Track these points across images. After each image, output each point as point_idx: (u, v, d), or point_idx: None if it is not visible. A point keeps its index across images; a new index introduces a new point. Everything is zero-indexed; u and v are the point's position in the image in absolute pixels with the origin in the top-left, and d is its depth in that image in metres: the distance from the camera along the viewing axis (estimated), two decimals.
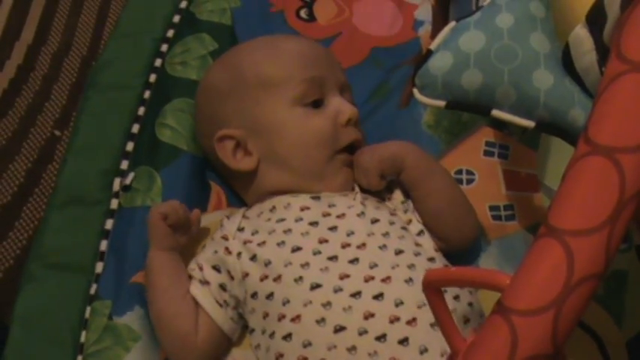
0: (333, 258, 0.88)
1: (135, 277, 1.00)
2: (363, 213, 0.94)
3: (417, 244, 0.92)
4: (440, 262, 0.93)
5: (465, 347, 0.54)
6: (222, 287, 0.93)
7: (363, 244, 0.89)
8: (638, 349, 0.94)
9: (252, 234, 0.94)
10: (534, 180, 1.07)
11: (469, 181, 1.09)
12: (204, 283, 0.94)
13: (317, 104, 0.99)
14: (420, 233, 0.96)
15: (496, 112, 0.76)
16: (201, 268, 0.94)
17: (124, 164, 1.09)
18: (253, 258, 0.91)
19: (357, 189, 0.99)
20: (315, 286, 0.86)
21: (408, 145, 0.99)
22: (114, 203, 1.06)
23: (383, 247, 0.90)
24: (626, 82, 0.53)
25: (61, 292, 0.99)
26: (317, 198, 0.97)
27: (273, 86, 0.99)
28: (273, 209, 0.96)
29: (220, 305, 0.93)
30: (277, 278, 0.88)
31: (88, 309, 0.98)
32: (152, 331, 0.96)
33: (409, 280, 0.86)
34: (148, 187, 1.07)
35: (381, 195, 1.00)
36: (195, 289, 0.94)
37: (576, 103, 0.74)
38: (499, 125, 1.12)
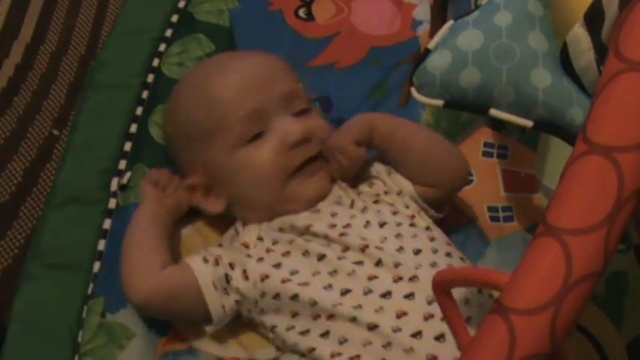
0: (358, 263, 0.88)
1: None
2: (368, 222, 0.93)
3: (432, 239, 0.92)
4: (455, 255, 0.92)
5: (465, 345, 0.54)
6: (227, 278, 0.93)
7: (381, 249, 0.89)
8: (639, 352, 0.94)
9: (273, 244, 0.94)
10: (533, 180, 1.07)
11: (468, 182, 1.08)
12: (209, 261, 0.93)
13: (259, 136, 0.97)
14: (428, 228, 0.95)
15: (494, 112, 0.76)
16: (219, 258, 0.94)
17: (122, 164, 1.09)
18: (277, 266, 0.92)
19: (351, 195, 0.98)
20: (345, 292, 0.87)
21: (372, 113, 1.01)
22: (112, 203, 1.06)
23: (400, 249, 0.90)
24: (624, 81, 0.53)
25: (59, 291, 0.99)
26: (317, 211, 0.96)
27: (211, 136, 0.98)
28: (280, 230, 0.96)
29: (215, 288, 0.92)
30: (304, 284, 0.89)
31: (85, 308, 0.98)
32: (147, 328, 0.96)
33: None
34: None
35: (370, 187, 0.99)
36: (193, 260, 0.94)
37: (574, 102, 0.73)
38: (498, 126, 1.12)
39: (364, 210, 0.95)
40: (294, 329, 0.89)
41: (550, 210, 0.53)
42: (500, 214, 1.06)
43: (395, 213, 0.95)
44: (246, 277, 0.92)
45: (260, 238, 0.96)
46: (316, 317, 0.87)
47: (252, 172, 0.97)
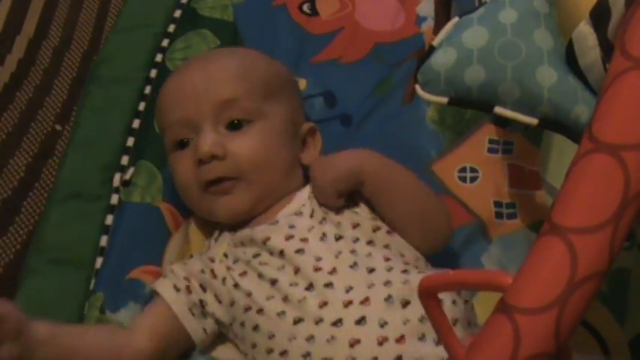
0: (309, 287, 0.86)
1: (132, 274, 1.00)
2: (324, 234, 0.91)
3: (387, 259, 0.89)
4: (413, 270, 0.89)
5: (468, 345, 0.54)
6: (202, 304, 0.93)
7: (334, 269, 0.87)
8: None
9: (234, 262, 0.93)
10: (537, 177, 1.07)
11: (473, 179, 1.08)
12: (180, 290, 0.93)
13: (184, 144, 0.97)
14: (387, 246, 0.92)
15: (499, 109, 0.75)
16: (188, 280, 0.94)
17: (125, 159, 1.09)
18: (236, 286, 0.91)
19: (313, 206, 0.95)
20: (298, 320, 0.85)
21: (366, 156, 0.93)
22: (114, 198, 1.06)
23: (354, 265, 0.88)
24: (630, 78, 0.53)
25: (61, 287, 0.99)
26: (275, 223, 0.94)
27: (161, 133, 1.02)
28: (241, 244, 0.94)
29: (193, 314, 0.92)
30: (260, 311, 0.88)
31: (87, 304, 0.98)
32: None
33: (389, 298, 0.84)
34: (148, 183, 1.06)
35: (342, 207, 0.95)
36: (163, 289, 0.93)
37: (580, 99, 0.73)
38: (502, 122, 1.12)
39: (322, 222, 0.93)
40: None
41: (555, 208, 0.53)
42: (504, 211, 1.06)
43: (355, 226, 0.93)
44: (219, 301, 0.92)
45: (225, 255, 0.95)
46: (269, 352, 0.85)
47: (176, 179, 0.99)
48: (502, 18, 0.75)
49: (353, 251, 0.89)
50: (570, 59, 0.73)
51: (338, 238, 0.91)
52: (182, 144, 0.97)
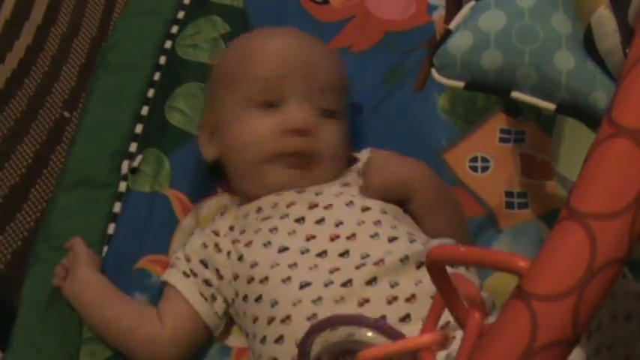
0: (322, 254, 0.86)
1: (139, 264, 0.99)
2: (352, 202, 0.92)
3: (410, 234, 0.90)
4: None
5: (473, 326, 0.53)
6: (207, 283, 0.92)
7: (353, 235, 0.88)
8: None
9: (240, 233, 0.93)
10: (548, 167, 1.06)
11: (484, 169, 1.07)
12: (190, 275, 0.93)
13: (271, 106, 0.97)
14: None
15: (516, 94, 0.74)
16: (188, 260, 0.93)
17: (133, 146, 1.08)
18: (240, 258, 0.90)
19: (349, 179, 0.97)
20: (305, 285, 0.84)
21: (423, 172, 0.96)
22: (122, 186, 1.06)
23: (375, 235, 0.88)
24: None
25: None
26: (302, 191, 0.95)
27: (232, 83, 0.99)
28: (259, 210, 0.94)
29: (205, 299, 0.92)
30: (264, 280, 0.87)
31: None
32: None
33: (405, 259, 0.85)
34: (156, 170, 1.06)
35: None
36: (175, 279, 0.93)
37: (598, 85, 0.72)
38: (514, 112, 1.11)
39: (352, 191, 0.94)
40: (256, 337, 0.87)
41: (574, 194, 0.52)
42: (515, 200, 1.05)
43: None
44: (221, 277, 0.91)
45: (231, 228, 0.94)
46: (270, 321, 0.85)
47: (245, 134, 0.97)
48: (519, 2, 0.74)
49: (377, 222, 0.89)
50: (589, 44, 0.72)
51: (365, 209, 0.91)
52: (265, 105, 0.97)
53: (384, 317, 0.81)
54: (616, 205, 0.51)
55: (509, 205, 1.05)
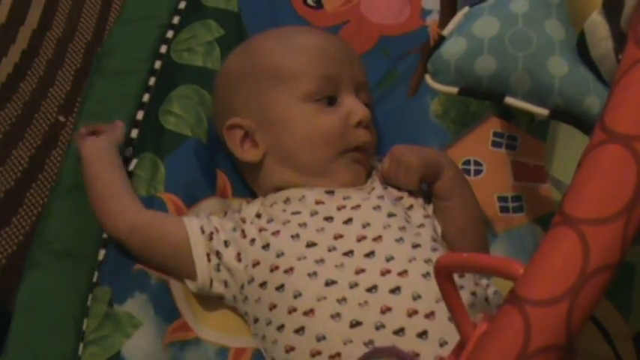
0: (348, 253, 0.87)
1: (138, 265, 0.99)
2: (379, 207, 0.93)
3: (435, 240, 0.91)
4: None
5: (478, 336, 0.54)
6: (219, 256, 0.93)
7: (379, 237, 0.89)
8: None
9: (268, 222, 0.93)
10: (542, 171, 1.06)
11: (477, 172, 1.08)
12: (207, 235, 0.94)
13: (329, 102, 0.98)
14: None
15: (510, 99, 0.75)
16: (217, 230, 0.94)
17: (129, 151, 1.08)
18: (266, 247, 0.91)
19: (374, 184, 0.97)
20: (331, 283, 0.86)
21: (446, 154, 1.01)
22: None
23: (400, 239, 0.89)
24: None
25: (64, 279, 0.99)
26: (331, 192, 0.95)
27: (287, 79, 0.98)
28: (287, 201, 0.95)
29: (209, 260, 0.93)
30: (289, 270, 0.88)
31: (90, 296, 0.97)
32: (153, 316, 0.96)
33: (426, 275, 0.85)
34: (151, 175, 1.06)
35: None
36: (190, 222, 0.95)
37: (591, 90, 0.73)
38: (507, 116, 1.11)
39: (379, 198, 0.94)
40: (272, 324, 0.87)
41: (567, 199, 0.52)
42: (510, 205, 1.05)
43: (409, 208, 0.95)
44: (239, 259, 0.92)
45: (258, 215, 0.95)
46: (292, 311, 0.86)
47: (314, 130, 0.97)
48: (513, 8, 0.75)
49: (402, 228, 0.90)
50: (582, 50, 0.73)
51: (390, 215, 0.92)
52: (329, 101, 0.98)
53: (402, 329, 0.82)
54: (609, 210, 0.51)
55: (504, 210, 1.05)
